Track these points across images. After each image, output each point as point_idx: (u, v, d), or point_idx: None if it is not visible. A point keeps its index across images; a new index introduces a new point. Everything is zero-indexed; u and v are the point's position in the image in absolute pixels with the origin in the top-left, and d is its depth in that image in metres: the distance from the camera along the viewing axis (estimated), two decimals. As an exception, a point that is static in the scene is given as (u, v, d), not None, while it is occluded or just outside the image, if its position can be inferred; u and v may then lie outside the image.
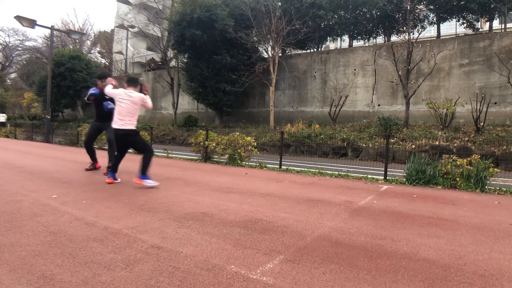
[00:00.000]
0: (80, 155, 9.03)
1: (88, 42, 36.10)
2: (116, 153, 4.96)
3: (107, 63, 32.27)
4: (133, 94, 4.74)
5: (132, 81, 4.87)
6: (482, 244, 2.62)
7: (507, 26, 15.51)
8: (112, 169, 4.86)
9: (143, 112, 25.01)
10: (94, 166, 6.08)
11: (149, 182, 4.60)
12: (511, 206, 4.09)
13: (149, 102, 4.96)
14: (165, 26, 20.94)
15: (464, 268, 2.14)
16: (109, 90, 4.89)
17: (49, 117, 15.44)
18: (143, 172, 4.65)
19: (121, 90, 4.78)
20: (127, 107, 4.68)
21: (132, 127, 4.74)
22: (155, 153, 10.07)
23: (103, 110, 5.71)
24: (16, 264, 2.01)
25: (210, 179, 5.56)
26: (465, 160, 5.34)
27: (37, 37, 62.82)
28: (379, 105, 15.30)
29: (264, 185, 5.09)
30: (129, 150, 5.15)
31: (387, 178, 6.01)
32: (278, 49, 16.12)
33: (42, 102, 25.69)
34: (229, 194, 4.27)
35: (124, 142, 4.81)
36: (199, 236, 2.63)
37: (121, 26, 29.89)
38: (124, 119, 4.64)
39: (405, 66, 13.07)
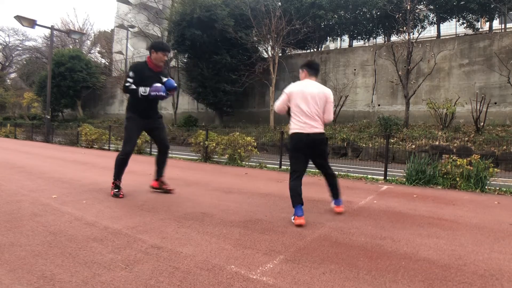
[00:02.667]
0: (80, 155, 9.04)
1: (88, 42, 36.09)
2: None
3: (107, 63, 32.25)
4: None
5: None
6: (482, 244, 2.62)
7: (507, 26, 15.51)
8: None
9: (143, 112, 25.00)
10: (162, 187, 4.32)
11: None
12: (511, 206, 4.09)
13: None
14: (165, 26, 20.95)
15: (464, 268, 2.14)
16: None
17: (49, 117, 15.45)
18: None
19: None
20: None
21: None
22: (154, 153, 10.11)
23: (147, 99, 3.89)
24: (16, 264, 2.00)
25: (210, 179, 5.56)
26: (465, 160, 5.34)
27: (37, 37, 62.91)
28: (379, 105, 15.30)
29: (264, 185, 5.09)
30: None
31: (387, 178, 6.01)
32: (278, 49, 16.12)
33: (42, 102, 25.67)
34: (229, 194, 4.27)
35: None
36: (199, 236, 2.63)
37: (121, 26, 29.90)
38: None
39: (405, 66, 13.07)
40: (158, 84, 3.81)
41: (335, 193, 3.50)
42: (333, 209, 3.53)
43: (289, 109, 3.36)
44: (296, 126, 3.24)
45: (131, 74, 3.76)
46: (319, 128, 3.25)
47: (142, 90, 3.77)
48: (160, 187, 4.24)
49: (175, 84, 3.99)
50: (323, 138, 3.29)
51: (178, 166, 7.31)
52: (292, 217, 3.08)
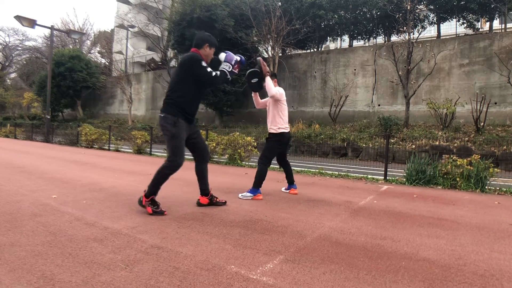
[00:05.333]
0: (81, 155, 9.04)
1: (88, 42, 36.10)
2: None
3: (107, 63, 32.25)
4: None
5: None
6: (482, 244, 2.62)
7: (507, 26, 15.50)
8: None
9: (143, 112, 25.03)
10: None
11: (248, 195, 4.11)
12: (511, 206, 4.08)
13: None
14: (165, 26, 20.96)
15: (464, 268, 2.14)
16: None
17: (49, 117, 15.45)
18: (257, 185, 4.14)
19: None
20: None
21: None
22: (155, 153, 10.12)
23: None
24: (16, 264, 2.00)
25: (210, 179, 5.54)
26: (465, 160, 5.34)
27: (37, 37, 62.86)
28: (379, 105, 15.30)
29: (264, 185, 5.08)
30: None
31: (387, 178, 6.01)
32: (278, 49, 16.12)
33: (42, 102, 25.67)
34: (229, 194, 4.27)
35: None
36: (199, 236, 2.63)
37: (121, 26, 29.89)
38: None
39: (405, 66, 13.07)
40: (225, 54, 3.29)
41: (291, 179, 4.45)
42: (289, 192, 4.46)
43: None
44: (284, 125, 4.15)
45: (203, 63, 3.16)
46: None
47: (226, 67, 3.22)
48: (212, 201, 3.61)
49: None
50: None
51: (178, 166, 7.30)
52: (251, 195, 4.02)
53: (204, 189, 3.58)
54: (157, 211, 3.14)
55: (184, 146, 3.25)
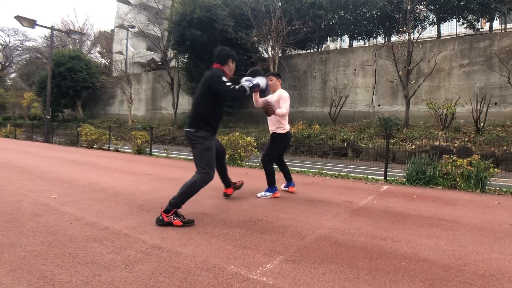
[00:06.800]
0: (81, 155, 9.04)
1: (88, 42, 36.11)
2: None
3: (107, 63, 32.27)
4: None
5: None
6: (482, 244, 2.62)
7: (507, 27, 15.50)
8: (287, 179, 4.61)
9: (143, 112, 25.04)
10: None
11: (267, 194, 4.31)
12: (511, 206, 4.08)
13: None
14: (165, 26, 20.95)
15: (464, 268, 2.14)
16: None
17: (49, 117, 15.44)
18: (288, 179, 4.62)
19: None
20: None
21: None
22: (155, 153, 10.11)
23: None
24: (16, 264, 2.00)
25: (210, 179, 5.55)
26: (465, 161, 5.34)
27: (37, 37, 62.84)
28: (379, 105, 15.30)
29: (264, 185, 5.07)
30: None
31: (387, 178, 6.01)
32: (278, 49, 16.12)
33: (42, 102, 25.67)
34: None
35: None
36: (199, 236, 2.63)
37: (121, 26, 29.92)
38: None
39: (405, 67, 13.07)
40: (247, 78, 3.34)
41: (289, 176, 4.60)
42: (288, 190, 4.60)
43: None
44: (287, 126, 4.31)
45: (224, 78, 3.16)
46: None
47: (246, 84, 3.23)
48: (235, 188, 4.15)
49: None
50: None
51: (178, 166, 7.31)
52: (270, 194, 4.23)
53: (228, 182, 4.04)
54: (187, 221, 2.97)
55: (214, 159, 3.33)
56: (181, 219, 2.98)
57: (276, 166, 4.60)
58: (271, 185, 4.26)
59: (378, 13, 16.34)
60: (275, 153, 4.34)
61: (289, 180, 4.62)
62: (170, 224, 2.91)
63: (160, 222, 2.92)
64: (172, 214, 2.97)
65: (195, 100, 3.37)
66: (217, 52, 3.36)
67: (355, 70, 15.94)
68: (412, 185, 5.48)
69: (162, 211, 2.96)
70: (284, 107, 4.13)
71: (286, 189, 4.65)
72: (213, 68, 3.30)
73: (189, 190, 3.05)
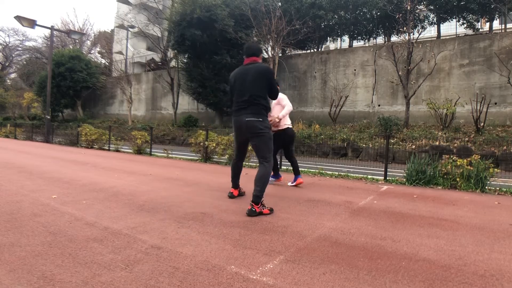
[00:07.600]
0: (80, 155, 9.04)
1: (88, 42, 36.11)
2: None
3: (107, 63, 32.26)
4: None
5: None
6: (482, 244, 2.62)
7: (507, 27, 15.50)
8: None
9: (143, 112, 25.03)
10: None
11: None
12: (511, 206, 4.08)
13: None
14: (165, 26, 20.94)
15: (464, 268, 2.14)
16: None
17: (49, 117, 15.43)
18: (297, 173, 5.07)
19: None
20: None
21: None
22: (155, 153, 10.12)
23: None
24: (16, 264, 2.00)
25: (210, 179, 5.56)
26: (465, 161, 5.34)
27: (37, 37, 62.84)
28: (379, 105, 15.30)
29: (264, 185, 5.09)
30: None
31: (387, 178, 6.01)
32: (278, 49, 16.12)
33: (42, 102, 25.67)
34: (229, 194, 4.26)
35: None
36: (199, 236, 2.63)
37: (121, 26, 29.92)
38: None
39: (405, 67, 13.07)
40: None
41: (298, 170, 5.00)
42: (296, 183, 4.93)
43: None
44: (288, 122, 4.85)
45: None
46: None
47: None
48: (239, 193, 4.17)
49: None
50: None
51: (178, 166, 7.31)
52: (273, 179, 5.10)
53: (237, 183, 4.09)
54: (271, 209, 3.39)
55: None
56: (268, 207, 3.37)
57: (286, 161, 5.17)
58: (276, 175, 4.94)
59: (378, 13, 16.35)
60: (277, 147, 4.77)
61: (298, 173, 5.02)
62: (261, 213, 3.26)
63: (254, 213, 3.22)
64: (261, 204, 3.30)
65: (251, 88, 3.42)
66: (251, 46, 3.70)
67: (355, 70, 15.94)
68: (412, 185, 5.48)
69: (253, 202, 3.25)
70: (288, 104, 4.74)
71: (293, 184, 4.97)
72: (259, 62, 3.58)
73: (266, 179, 3.35)
